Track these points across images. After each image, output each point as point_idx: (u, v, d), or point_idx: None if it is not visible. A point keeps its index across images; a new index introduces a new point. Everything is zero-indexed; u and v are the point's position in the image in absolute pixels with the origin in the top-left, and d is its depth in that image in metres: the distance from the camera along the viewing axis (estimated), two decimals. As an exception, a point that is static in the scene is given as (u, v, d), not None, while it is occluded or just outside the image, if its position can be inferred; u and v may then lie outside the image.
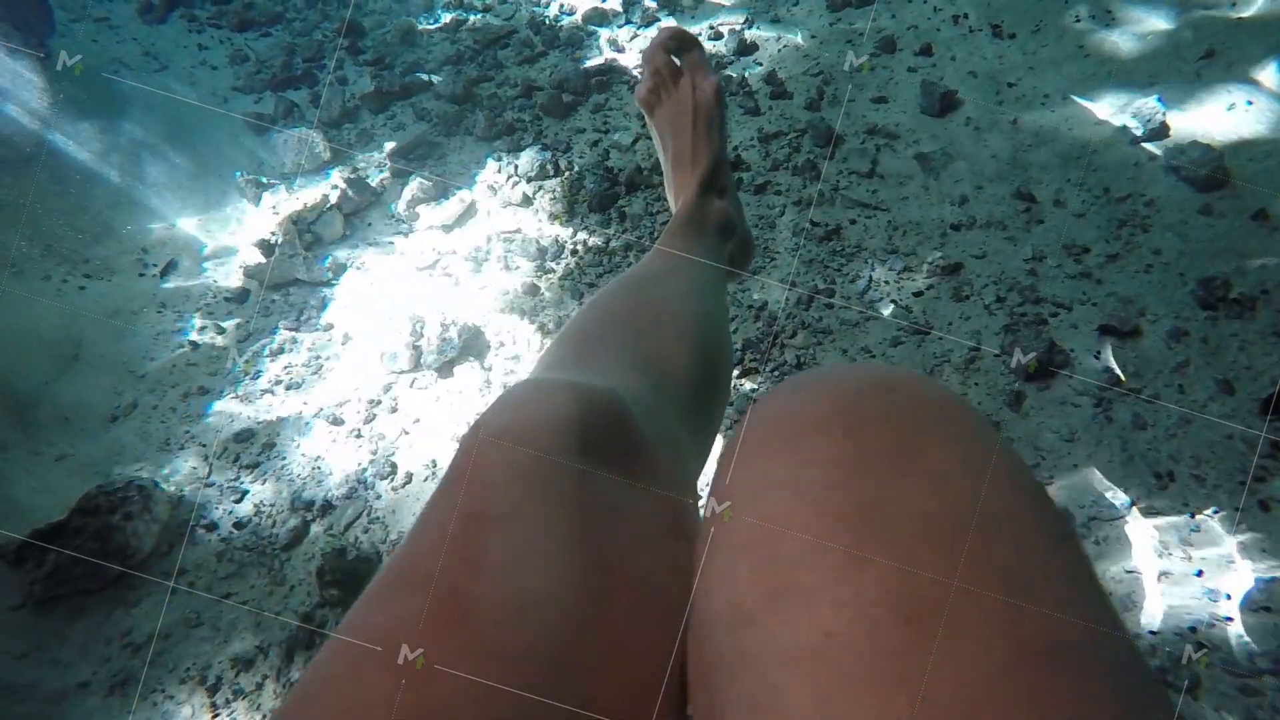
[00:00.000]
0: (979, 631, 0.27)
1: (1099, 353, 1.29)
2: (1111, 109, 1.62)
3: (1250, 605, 0.98)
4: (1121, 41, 1.73)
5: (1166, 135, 1.54)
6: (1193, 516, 1.07)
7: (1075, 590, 0.30)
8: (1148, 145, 1.54)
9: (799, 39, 2.02)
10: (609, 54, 2.14)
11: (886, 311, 1.43)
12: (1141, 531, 1.08)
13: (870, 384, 0.37)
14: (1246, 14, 1.67)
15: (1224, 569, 1.02)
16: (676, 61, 0.82)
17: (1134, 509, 1.10)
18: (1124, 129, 1.57)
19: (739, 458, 0.38)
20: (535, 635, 0.32)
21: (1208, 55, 1.63)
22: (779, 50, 2.01)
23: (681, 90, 0.81)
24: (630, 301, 0.61)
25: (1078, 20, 1.81)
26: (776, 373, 1.38)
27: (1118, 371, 1.25)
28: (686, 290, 0.64)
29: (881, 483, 0.32)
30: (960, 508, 0.31)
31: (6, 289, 1.65)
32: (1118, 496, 1.11)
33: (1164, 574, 1.03)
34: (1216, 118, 1.54)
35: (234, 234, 1.87)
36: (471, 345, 1.52)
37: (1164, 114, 1.55)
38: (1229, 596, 0.99)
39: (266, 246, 1.75)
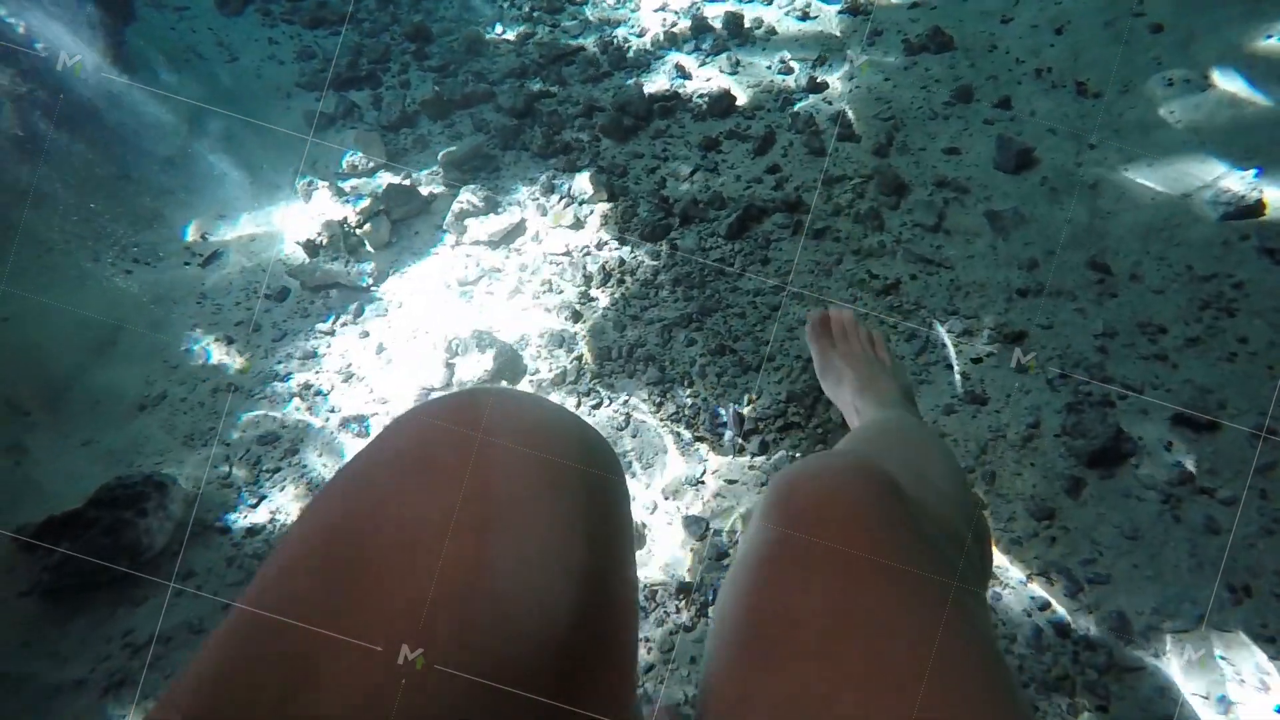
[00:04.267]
0: None
1: (1170, 444, 1.19)
2: (1201, 181, 1.52)
3: (1331, 751, 0.88)
4: (1217, 111, 1.63)
5: (1261, 214, 1.44)
6: (1273, 641, 0.97)
7: None
8: (1238, 223, 1.44)
9: (872, 80, 1.95)
10: (675, 80, 2.11)
11: (942, 376, 1.35)
12: (1210, 651, 0.98)
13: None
14: (1357, 92, 1.56)
15: (1303, 706, 0.92)
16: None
17: (1202, 623, 1.00)
18: (1213, 203, 1.48)
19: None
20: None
21: (1311, 133, 1.53)
22: (850, 90, 1.95)
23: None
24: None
25: (1170, 84, 1.71)
26: (820, 429, 1.31)
27: (1191, 468, 1.15)
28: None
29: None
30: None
31: (55, 266, 1.66)
32: (1182, 607, 1.02)
33: (1234, 704, 0.93)
34: (1317, 201, 1.44)
35: (281, 231, 1.86)
36: (506, 367, 1.48)
37: (1260, 191, 1.45)
38: (1308, 739, 0.89)
39: (311, 247, 1.74)
